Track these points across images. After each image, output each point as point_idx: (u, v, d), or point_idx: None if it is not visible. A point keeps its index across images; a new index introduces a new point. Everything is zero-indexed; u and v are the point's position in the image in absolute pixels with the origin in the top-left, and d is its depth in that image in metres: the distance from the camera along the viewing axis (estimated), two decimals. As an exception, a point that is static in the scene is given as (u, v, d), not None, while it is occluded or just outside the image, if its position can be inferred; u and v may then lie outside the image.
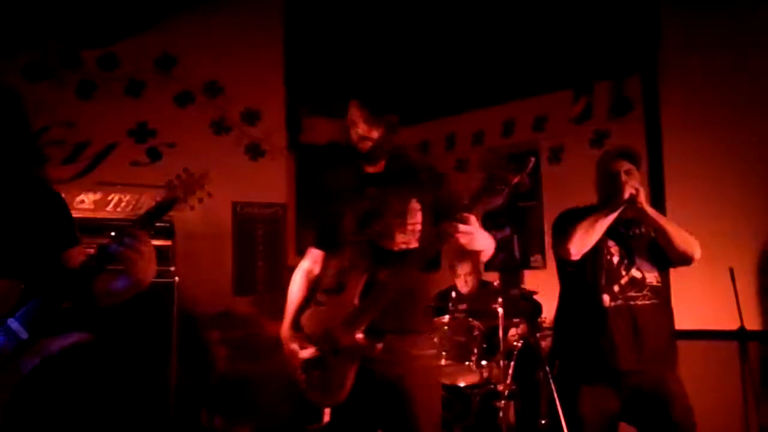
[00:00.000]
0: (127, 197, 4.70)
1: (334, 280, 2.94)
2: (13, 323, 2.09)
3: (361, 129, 2.87)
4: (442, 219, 2.68)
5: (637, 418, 3.24)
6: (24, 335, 2.08)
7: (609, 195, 3.21)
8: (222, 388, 5.32)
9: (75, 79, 5.08)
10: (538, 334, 2.58)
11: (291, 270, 3.25)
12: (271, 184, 5.72)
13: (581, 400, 3.18)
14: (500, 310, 4.61)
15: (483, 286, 5.62)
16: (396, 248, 2.81)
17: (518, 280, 6.53)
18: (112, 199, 4.65)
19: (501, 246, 6.81)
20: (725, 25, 4.98)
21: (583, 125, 6.10)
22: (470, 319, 4.87)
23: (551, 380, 2.33)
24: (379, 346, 2.68)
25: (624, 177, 3.18)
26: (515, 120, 6.69)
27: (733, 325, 4.30)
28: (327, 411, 2.90)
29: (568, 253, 3.18)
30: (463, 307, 5.18)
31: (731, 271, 4.07)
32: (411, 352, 2.79)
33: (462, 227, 2.52)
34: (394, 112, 2.90)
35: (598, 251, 3.21)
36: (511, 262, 6.72)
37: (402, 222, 2.81)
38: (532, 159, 2.55)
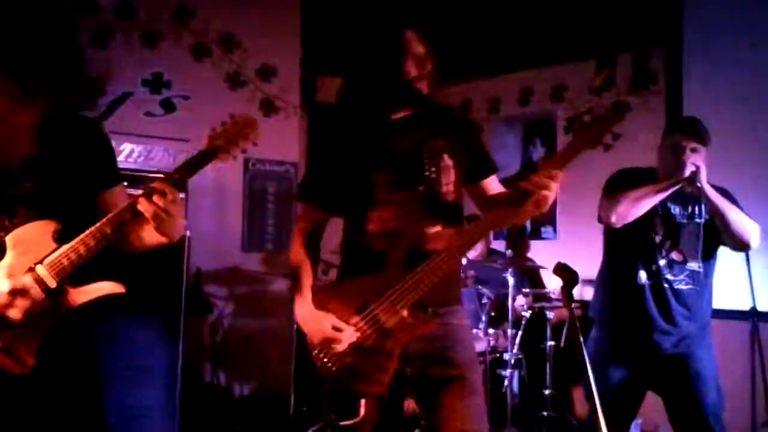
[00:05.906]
0: (140, 148, 4.65)
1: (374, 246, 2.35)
2: (41, 270, 1.96)
3: (426, 64, 2.43)
4: (473, 175, 2.44)
5: (663, 390, 3.20)
6: (53, 283, 1.96)
7: (669, 167, 3.07)
8: (227, 344, 5.33)
9: (91, 26, 4.99)
10: (573, 305, 2.43)
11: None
12: (283, 141, 5.67)
13: (608, 373, 3.13)
14: (511, 279, 4.58)
15: (492, 254, 5.60)
16: (449, 200, 2.38)
17: (526, 250, 6.52)
18: (124, 149, 4.60)
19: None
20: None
21: (603, 97, 6.03)
22: (479, 287, 4.86)
23: (584, 348, 2.24)
24: (436, 322, 2.26)
25: (688, 152, 3.01)
26: (533, 88, 6.60)
27: (745, 304, 4.28)
28: (363, 402, 2.39)
29: (609, 221, 3.09)
30: (472, 274, 5.16)
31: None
32: (459, 325, 2.39)
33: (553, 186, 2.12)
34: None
35: (642, 227, 3.10)
36: (521, 232, 6.69)
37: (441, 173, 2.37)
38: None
